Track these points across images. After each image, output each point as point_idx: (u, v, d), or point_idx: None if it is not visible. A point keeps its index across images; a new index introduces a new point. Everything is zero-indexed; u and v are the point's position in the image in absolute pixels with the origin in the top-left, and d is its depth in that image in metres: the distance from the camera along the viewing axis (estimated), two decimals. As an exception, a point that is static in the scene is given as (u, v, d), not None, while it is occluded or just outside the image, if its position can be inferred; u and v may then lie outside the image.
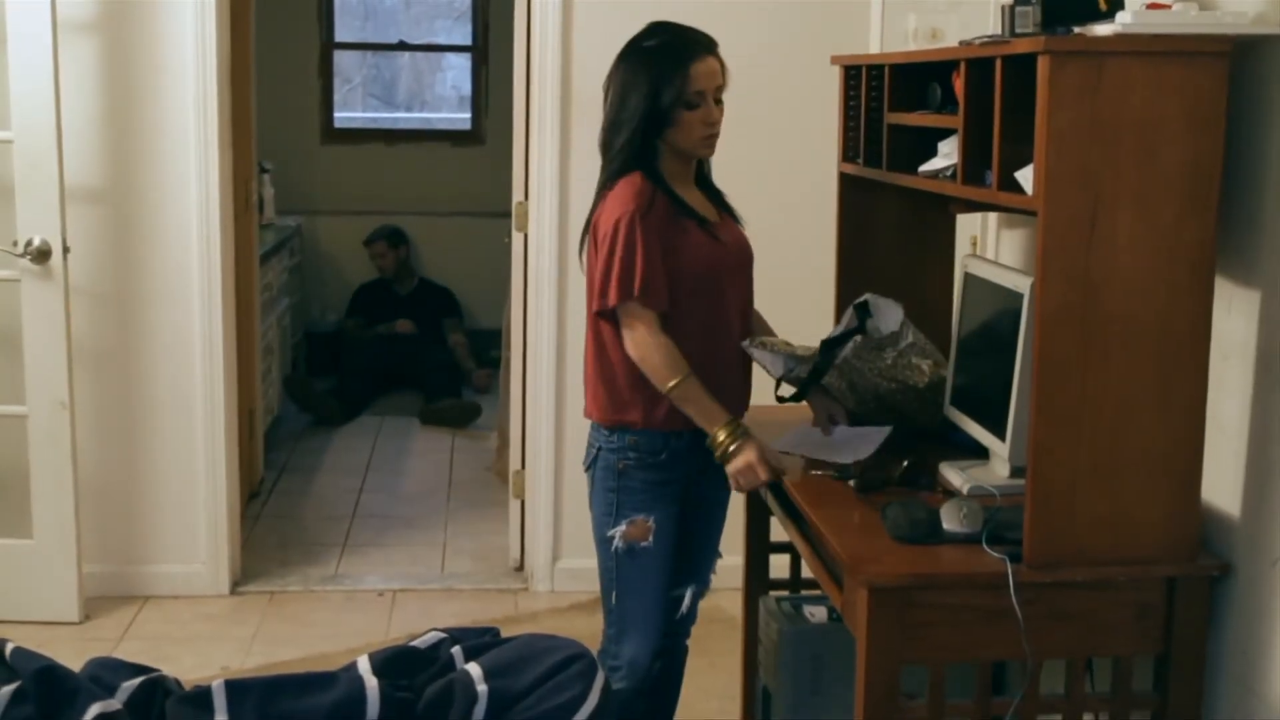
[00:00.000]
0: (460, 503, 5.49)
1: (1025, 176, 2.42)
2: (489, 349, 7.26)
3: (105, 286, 4.32)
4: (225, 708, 2.21)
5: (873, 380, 2.97)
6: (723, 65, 2.88)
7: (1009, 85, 2.45)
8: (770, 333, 3.08)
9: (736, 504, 3.32)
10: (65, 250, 4.05)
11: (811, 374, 2.96)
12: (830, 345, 2.95)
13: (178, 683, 2.35)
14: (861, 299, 2.99)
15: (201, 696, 2.23)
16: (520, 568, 4.71)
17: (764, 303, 4.53)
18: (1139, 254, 2.36)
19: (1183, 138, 2.34)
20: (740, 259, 2.98)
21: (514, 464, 4.69)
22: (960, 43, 2.71)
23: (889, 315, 2.97)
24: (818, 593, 3.17)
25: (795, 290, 4.36)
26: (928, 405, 3.05)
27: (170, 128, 4.28)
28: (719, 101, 2.88)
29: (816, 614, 3.14)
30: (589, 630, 3.18)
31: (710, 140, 2.89)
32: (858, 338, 2.92)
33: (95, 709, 2.16)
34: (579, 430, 3.52)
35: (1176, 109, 2.33)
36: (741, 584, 3.39)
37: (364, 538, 5.07)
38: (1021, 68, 2.41)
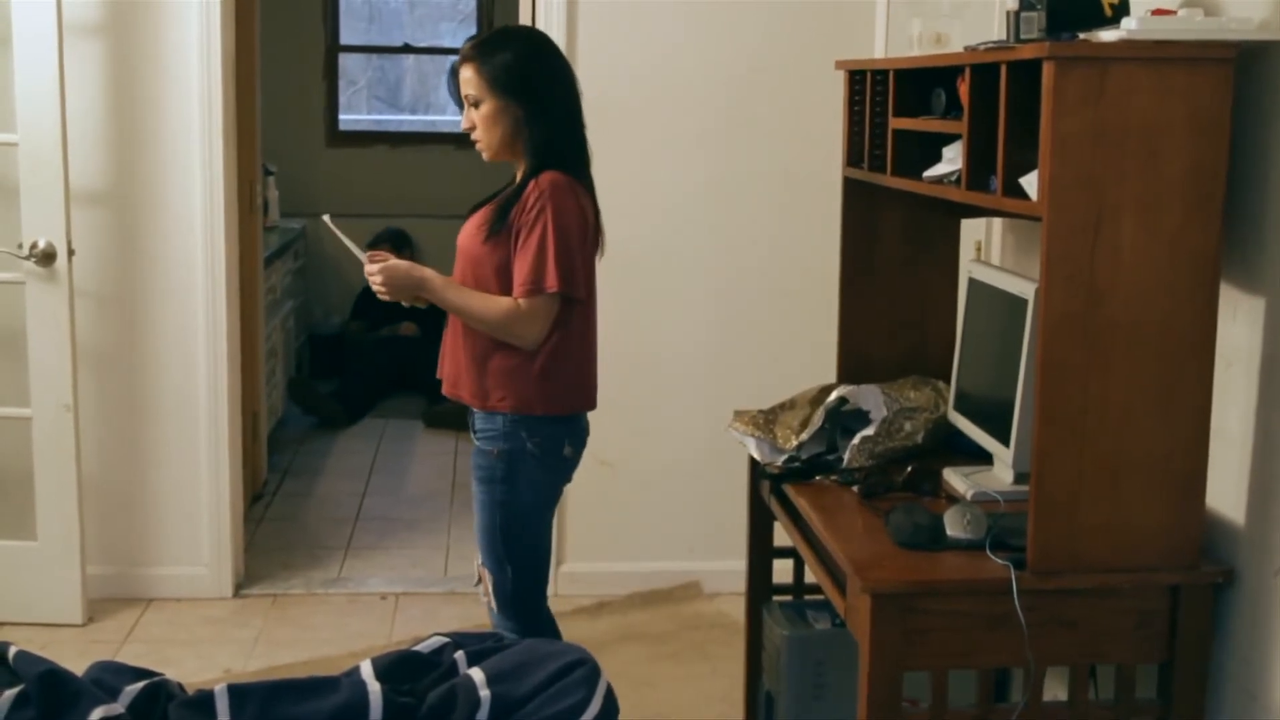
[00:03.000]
0: (464, 506, 5.48)
1: (1030, 182, 2.42)
2: (493, 352, 7.26)
3: (109, 289, 4.32)
4: (227, 712, 2.20)
5: (882, 453, 2.97)
6: (482, 75, 2.97)
7: (1014, 91, 2.45)
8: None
9: (735, 506, 3.33)
10: (70, 253, 4.05)
11: (799, 472, 2.99)
12: (816, 453, 3.01)
13: (180, 687, 2.35)
14: (836, 397, 3.00)
15: (204, 701, 2.23)
16: (523, 571, 4.69)
17: (768, 306, 4.53)
18: (1143, 260, 2.35)
19: (1187, 144, 2.33)
20: (459, 249, 3.13)
21: (517, 467, 4.68)
22: (965, 48, 2.71)
23: (872, 401, 2.99)
24: (821, 598, 3.16)
25: (799, 295, 4.37)
26: (938, 439, 3.07)
27: (175, 130, 4.28)
28: (476, 105, 3.01)
29: (819, 619, 3.14)
30: (592, 635, 3.18)
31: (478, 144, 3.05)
32: (855, 441, 2.94)
33: (98, 713, 2.16)
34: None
35: (1181, 115, 2.33)
36: (744, 589, 3.39)
37: (367, 541, 5.07)
38: (1026, 73, 2.41)
